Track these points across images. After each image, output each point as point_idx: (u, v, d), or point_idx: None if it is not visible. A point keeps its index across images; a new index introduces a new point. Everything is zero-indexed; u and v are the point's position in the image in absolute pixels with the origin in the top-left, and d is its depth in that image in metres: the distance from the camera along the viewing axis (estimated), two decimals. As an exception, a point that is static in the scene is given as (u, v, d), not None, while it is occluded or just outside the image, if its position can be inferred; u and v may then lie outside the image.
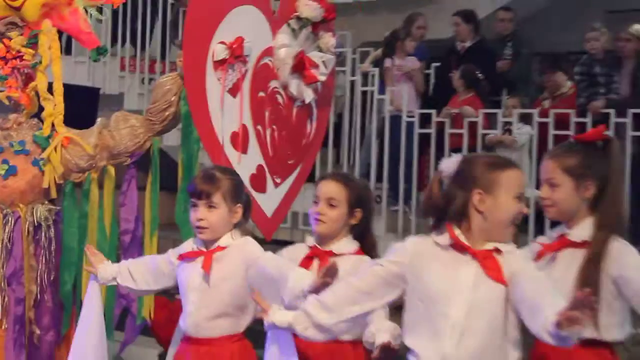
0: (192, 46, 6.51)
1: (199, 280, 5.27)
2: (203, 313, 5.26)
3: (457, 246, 4.28)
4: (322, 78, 6.78)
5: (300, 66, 6.72)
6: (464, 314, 4.20)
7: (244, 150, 6.65)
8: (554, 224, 5.06)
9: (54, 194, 6.64)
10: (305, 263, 5.29)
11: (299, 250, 5.45)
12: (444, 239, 4.32)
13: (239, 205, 5.36)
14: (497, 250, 4.25)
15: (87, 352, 5.69)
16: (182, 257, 5.42)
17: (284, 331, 4.68)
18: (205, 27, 6.50)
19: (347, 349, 5.26)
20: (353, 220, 5.34)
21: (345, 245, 5.29)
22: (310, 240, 5.42)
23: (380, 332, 4.74)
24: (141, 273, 5.63)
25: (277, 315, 4.55)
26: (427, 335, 4.27)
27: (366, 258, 5.19)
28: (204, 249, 5.33)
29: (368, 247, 5.39)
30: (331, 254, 5.20)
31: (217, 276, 5.23)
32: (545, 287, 4.18)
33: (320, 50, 6.81)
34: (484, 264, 4.22)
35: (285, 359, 4.82)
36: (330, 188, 5.32)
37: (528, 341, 4.75)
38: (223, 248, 5.29)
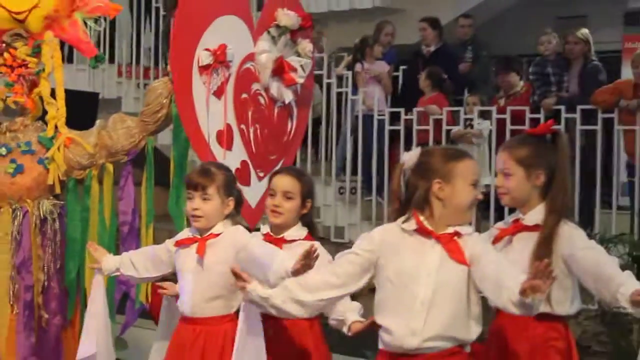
0: (179, 53, 6.53)
1: (194, 264, 5.31)
2: (198, 295, 5.30)
3: (422, 231, 4.34)
4: (301, 80, 6.79)
5: (280, 70, 6.73)
6: (431, 292, 4.25)
7: (229, 147, 6.66)
8: (513, 210, 5.08)
9: (58, 190, 6.66)
10: None
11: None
12: (410, 224, 4.37)
13: (230, 198, 5.40)
14: (457, 234, 4.32)
15: (94, 337, 5.73)
16: (179, 244, 5.46)
17: (255, 311, 4.75)
18: (191, 35, 6.51)
19: (305, 326, 5.30)
20: (304, 210, 5.38)
21: (296, 231, 5.32)
22: (265, 229, 5.43)
23: (349, 311, 4.89)
24: (142, 262, 5.64)
25: (258, 288, 4.55)
26: (397, 312, 4.32)
27: (316, 242, 4.99)
28: (198, 236, 5.36)
29: (314, 233, 5.49)
30: (283, 240, 5.26)
31: (210, 260, 5.26)
32: (505, 265, 4.27)
33: (299, 55, 6.82)
34: (447, 247, 4.30)
35: (252, 338, 4.85)
36: (286, 182, 5.35)
37: (487, 317, 4.81)
38: (216, 235, 5.33)
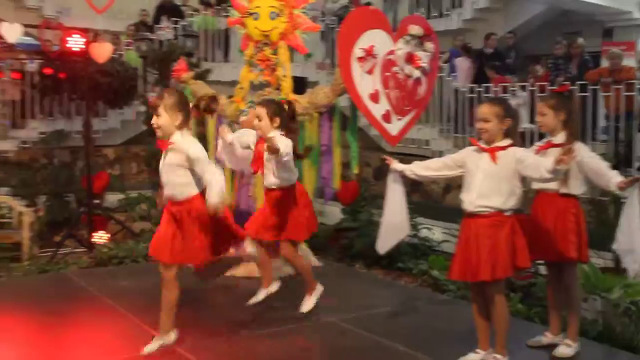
0: (343, 51, 6.47)
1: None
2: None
3: (480, 149, 4.28)
4: (424, 64, 6.60)
5: (410, 59, 6.55)
6: (481, 180, 4.19)
7: (377, 102, 6.52)
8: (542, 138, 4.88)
9: (290, 127, 6.70)
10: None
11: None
12: (474, 146, 4.34)
13: (180, 113, 4.27)
14: (498, 148, 4.22)
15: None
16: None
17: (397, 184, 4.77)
18: (350, 40, 6.42)
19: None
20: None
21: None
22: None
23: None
24: None
25: (396, 164, 4.69)
26: (466, 191, 4.26)
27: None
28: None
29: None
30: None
31: (168, 160, 4.34)
32: (540, 158, 4.24)
33: (425, 50, 6.62)
34: (491, 155, 4.21)
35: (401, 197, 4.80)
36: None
37: (530, 196, 4.64)
38: (172, 143, 4.29)
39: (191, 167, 4.26)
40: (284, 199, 5.11)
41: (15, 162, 10.95)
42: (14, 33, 8.22)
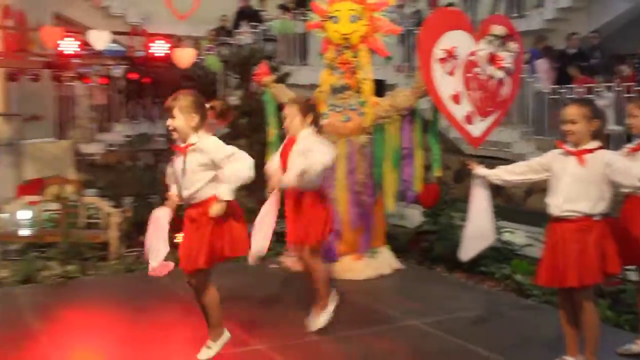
0: (423, 52, 6.42)
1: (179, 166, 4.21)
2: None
3: (566, 151, 4.15)
4: (507, 65, 6.46)
5: (492, 59, 6.44)
6: (568, 184, 4.07)
7: (458, 103, 6.43)
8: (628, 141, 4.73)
9: (369, 130, 6.68)
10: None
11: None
12: (561, 149, 4.21)
13: (196, 114, 4.07)
14: (585, 150, 4.07)
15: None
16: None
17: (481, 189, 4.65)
18: (430, 41, 6.37)
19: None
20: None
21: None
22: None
23: None
24: None
25: (480, 170, 4.59)
26: (553, 194, 4.15)
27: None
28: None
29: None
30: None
31: (189, 163, 4.14)
32: (630, 163, 4.11)
33: (508, 51, 6.49)
34: (578, 158, 4.07)
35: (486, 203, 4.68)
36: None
37: (619, 199, 4.51)
38: (191, 144, 4.09)
39: (215, 165, 4.06)
40: (307, 201, 4.92)
41: (102, 164, 11.30)
42: (102, 40, 8.46)
